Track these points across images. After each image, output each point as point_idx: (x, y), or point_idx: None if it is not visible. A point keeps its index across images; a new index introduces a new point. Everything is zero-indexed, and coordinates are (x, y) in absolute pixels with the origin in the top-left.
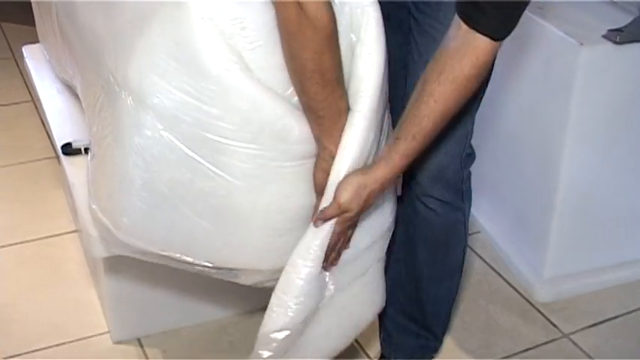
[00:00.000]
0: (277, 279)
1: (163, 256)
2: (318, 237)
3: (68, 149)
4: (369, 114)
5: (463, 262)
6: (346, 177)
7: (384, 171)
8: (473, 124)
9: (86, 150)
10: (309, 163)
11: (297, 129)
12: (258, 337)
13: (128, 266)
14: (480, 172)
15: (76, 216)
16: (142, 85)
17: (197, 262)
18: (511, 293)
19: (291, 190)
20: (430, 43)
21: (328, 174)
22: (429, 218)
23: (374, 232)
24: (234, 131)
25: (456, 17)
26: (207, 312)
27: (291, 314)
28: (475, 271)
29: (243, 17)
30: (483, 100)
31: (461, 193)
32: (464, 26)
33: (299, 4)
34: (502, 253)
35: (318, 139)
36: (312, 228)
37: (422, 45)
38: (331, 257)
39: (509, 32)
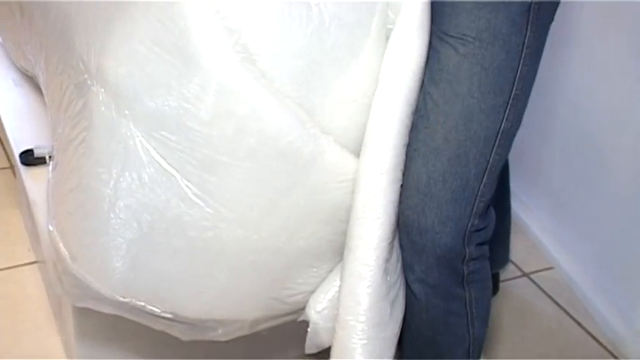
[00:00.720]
0: (263, 328)
1: (123, 303)
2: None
3: (29, 158)
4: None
5: None
6: None
7: None
8: (487, 184)
9: (52, 159)
10: (323, 194)
11: (308, 149)
12: None
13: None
14: (550, 186)
15: (37, 243)
16: (118, 77)
17: (164, 313)
18: (593, 347)
19: (296, 227)
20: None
21: None
22: (410, 301)
23: None
24: (227, 143)
25: None
26: None
27: None
28: (547, 318)
29: None
30: (566, 108)
31: (461, 277)
32: None
33: None
34: (582, 296)
35: None
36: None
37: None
38: None
39: None
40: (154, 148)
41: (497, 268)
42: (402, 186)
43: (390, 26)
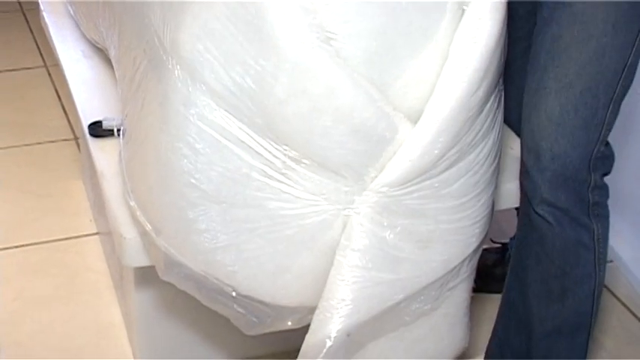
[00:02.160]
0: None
1: (203, 278)
2: None
3: (97, 130)
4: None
5: (592, 318)
6: None
7: None
8: (612, 112)
9: (120, 132)
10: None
11: (381, 126)
12: (303, 347)
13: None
14: (618, 185)
15: (100, 214)
16: (194, 52)
17: (240, 295)
18: None
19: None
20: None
21: None
22: (542, 230)
23: (450, 253)
24: (303, 121)
25: None
26: (256, 347)
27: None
28: (607, 314)
29: None
30: (630, 95)
31: (587, 205)
32: None
33: None
34: None
35: None
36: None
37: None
38: None
39: None
40: (231, 123)
41: None
42: (532, 120)
43: (465, 7)
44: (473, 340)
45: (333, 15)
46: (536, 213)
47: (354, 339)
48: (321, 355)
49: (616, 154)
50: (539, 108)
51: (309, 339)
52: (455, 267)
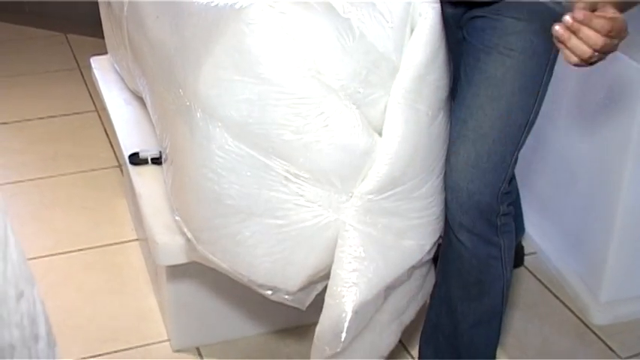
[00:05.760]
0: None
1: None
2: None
3: (135, 159)
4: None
5: (503, 307)
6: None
7: None
8: (515, 158)
9: (153, 160)
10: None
11: (363, 144)
12: (317, 334)
13: (190, 274)
14: (536, 189)
15: (139, 224)
16: (210, 97)
17: (256, 282)
18: (567, 315)
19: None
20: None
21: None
22: (460, 251)
23: (425, 240)
24: (299, 139)
25: None
26: (267, 323)
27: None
28: (531, 292)
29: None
30: (541, 114)
31: (495, 228)
32: None
33: None
34: (558, 274)
35: None
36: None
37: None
38: None
39: None
40: (244, 150)
41: (519, 235)
42: (452, 163)
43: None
44: None
45: (320, 54)
46: (456, 237)
47: (360, 315)
48: (339, 330)
49: (539, 163)
50: (458, 153)
51: (324, 321)
52: (429, 250)
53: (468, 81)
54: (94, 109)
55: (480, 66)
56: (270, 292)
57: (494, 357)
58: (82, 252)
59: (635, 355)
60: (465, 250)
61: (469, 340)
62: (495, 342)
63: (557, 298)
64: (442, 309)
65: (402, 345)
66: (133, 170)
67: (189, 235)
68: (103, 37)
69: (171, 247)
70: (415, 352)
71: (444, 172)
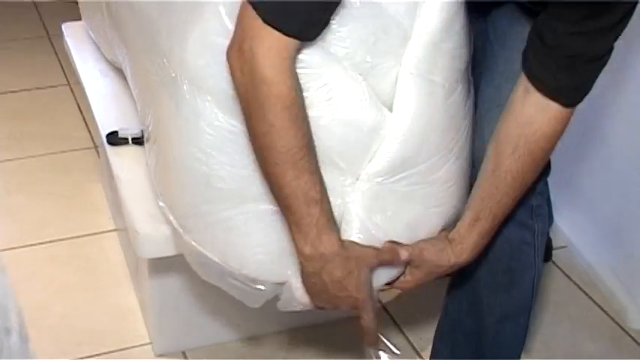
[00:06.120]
0: None
1: (228, 272)
2: None
3: (114, 138)
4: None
5: (532, 302)
6: (435, 240)
7: (470, 256)
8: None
9: (134, 140)
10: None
11: (370, 120)
12: None
13: (175, 269)
14: (566, 175)
15: (118, 212)
16: (198, 68)
17: (248, 275)
18: (601, 317)
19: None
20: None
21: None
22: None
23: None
24: None
25: (522, 78)
26: (260, 325)
27: None
28: (560, 291)
29: None
30: (589, 104)
31: (530, 209)
32: (534, 91)
33: (251, 61)
34: (591, 271)
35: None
36: None
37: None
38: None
39: (584, 97)
40: (237, 125)
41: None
42: (485, 138)
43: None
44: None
45: None
46: None
47: None
48: None
49: (572, 157)
50: (491, 122)
51: None
52: None
53: (500, 45)
54: (65, 82)
55: (516, 27)
56: (262, 288)
57: (520, 358)
58: (51, 244)
59: None
60: (499, 234)
61: (493, 336)
62: (522, 341)
63: (590, 297)
64: (464, 303)
65: (410, 346)
66: (110, 151)
67: (174, 222)
68: (75, 1)
69: (154, 237)
70: (425, 354)
71: (464, 153)
